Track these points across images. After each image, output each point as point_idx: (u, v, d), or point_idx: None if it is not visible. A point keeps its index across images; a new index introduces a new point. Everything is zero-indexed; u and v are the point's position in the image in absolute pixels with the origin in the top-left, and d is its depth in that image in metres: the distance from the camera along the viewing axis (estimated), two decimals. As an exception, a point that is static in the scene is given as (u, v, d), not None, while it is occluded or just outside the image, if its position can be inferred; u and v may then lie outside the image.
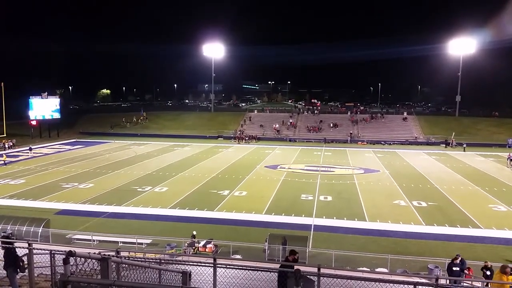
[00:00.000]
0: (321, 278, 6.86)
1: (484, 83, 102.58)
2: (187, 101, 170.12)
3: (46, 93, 68.85)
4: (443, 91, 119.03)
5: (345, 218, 26.05)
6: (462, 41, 74.22)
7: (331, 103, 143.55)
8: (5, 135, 57.47)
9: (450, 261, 15.76)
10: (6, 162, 44.48)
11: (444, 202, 29.95)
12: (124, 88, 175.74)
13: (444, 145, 61.82)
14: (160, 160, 47.59)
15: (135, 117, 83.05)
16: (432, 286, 7.49)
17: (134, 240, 21.53)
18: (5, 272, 9.50)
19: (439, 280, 7.63)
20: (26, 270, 8.84)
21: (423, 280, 13.42)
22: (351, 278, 8.08)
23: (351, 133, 69.45)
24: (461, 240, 22.57)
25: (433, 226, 24.67)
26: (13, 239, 16.80)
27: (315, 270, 6.87)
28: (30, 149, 54.06)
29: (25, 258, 8.75)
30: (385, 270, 17.75)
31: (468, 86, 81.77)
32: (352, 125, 73.82)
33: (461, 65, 75.23)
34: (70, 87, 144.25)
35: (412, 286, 7.09)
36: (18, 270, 9.23)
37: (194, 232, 21.60)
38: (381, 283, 6.75)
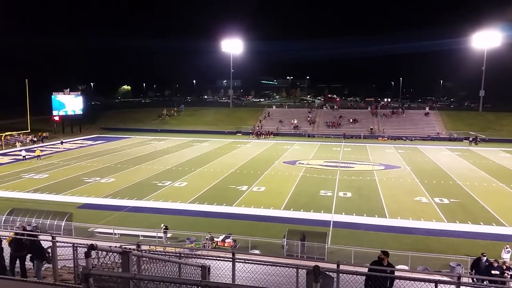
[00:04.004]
0: (340, 274, 6.83)
1: (509, 77, 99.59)
2: (205, 96, 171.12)
3: (68, 89, 70.26)
4: (466, 85, 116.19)
5: (365, 215, 25.79)
6: (486, 34, 71.99)
7: (350, 98, 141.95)
8: (29, 131, 58.96)
9: (487, 264, 14.73)
10: (40, 156, 45.56)
11: (466, 199, 29.33)
12: (144, 84, 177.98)
13: (470, 141, 59.36)
14: (179, 156, 48.06)
15: (168, 109, 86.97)
16: (454, 285, 7.35)
17: (154, 234, 21.85)
18: (31, 263, 9.80)
19: (461, 278, 7.48)
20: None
21: (445, 278, 13.20)
22: (370, 275, 7.98)
23: (371, 129, 68.52)
24: (484, 238, 22.09)
25: (455, 224, 24.20)
26: (38, 232, 17.32)
27: (334, 266, 6.83)
28: (62, 142, 56.54)
29: (49, 251, 9.00)
30: (405, 267, 17.54)
31: (492, 80, 79.39)
32: (373, 120, 72.89)
33: (485, 58, 73.01)
34: (91, 84, 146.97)
35: (434, 284, 6.97)
36: (45, 261, 9.53)
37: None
38: (401, 280, 6.66)
